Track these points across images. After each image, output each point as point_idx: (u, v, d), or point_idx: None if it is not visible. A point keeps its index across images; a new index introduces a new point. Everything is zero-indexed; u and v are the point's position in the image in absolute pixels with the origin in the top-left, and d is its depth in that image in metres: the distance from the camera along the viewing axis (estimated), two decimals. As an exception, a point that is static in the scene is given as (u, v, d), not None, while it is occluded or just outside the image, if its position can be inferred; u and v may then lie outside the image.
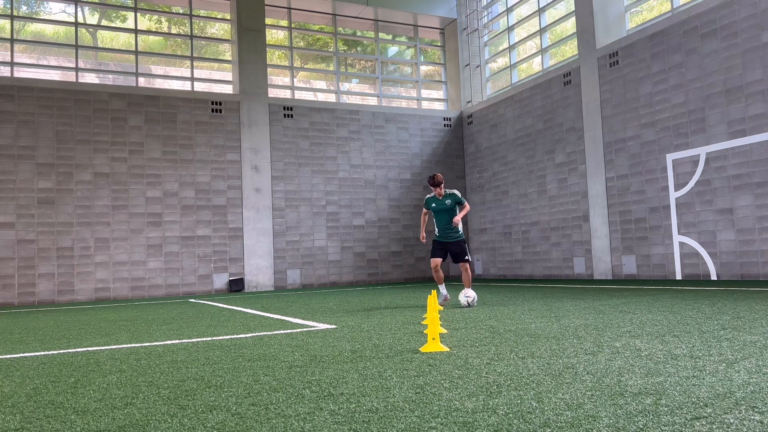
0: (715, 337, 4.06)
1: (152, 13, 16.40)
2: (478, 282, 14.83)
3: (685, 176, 11.55)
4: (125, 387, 3.22)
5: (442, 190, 7.93)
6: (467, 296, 7.54)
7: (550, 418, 2.27)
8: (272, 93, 16.67)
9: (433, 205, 8.03)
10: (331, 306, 8.64)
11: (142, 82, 15.69)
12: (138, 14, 15.90)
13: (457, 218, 7.84)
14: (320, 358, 3.90)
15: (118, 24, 16.65)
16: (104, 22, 16.51)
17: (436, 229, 8.09)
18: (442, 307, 5.12)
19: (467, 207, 8.07)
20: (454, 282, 14.40)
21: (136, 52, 15.49)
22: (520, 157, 15.99)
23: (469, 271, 7.89)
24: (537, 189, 15.42)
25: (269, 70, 16.76)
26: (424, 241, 8.37)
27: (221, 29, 17.27)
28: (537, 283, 12.84)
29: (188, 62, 16.10)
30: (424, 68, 19.45)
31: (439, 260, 7.90)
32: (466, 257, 7.88)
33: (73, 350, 4.86)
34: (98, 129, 14.26)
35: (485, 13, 17.97)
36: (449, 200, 7.94)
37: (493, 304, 7.81)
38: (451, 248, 7.95)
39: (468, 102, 18.23)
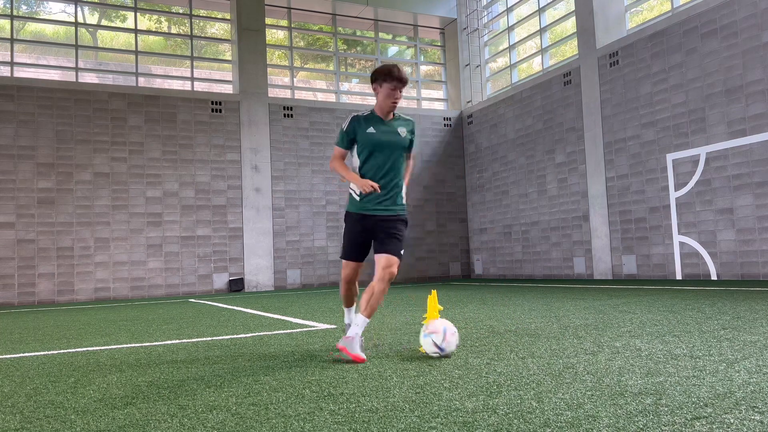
0: (716, 337, 4.05)
1: (152, 13, 16.39)
2: (478, 282, 14.81)
3: (685, 176, 11.55)
4: (125, 387, 3.22)
5: (399, 94, 3.96)
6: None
7: (550, 418, 2.27)
8: (272, 93, 16.66)
9: (371, 130, 3.96)
10: (331, 306, 8.63)
11: (142, 82, 15.68)
12: (138, 14, 15.89)
13: (407, 180, 4.19)
14: (320, 358, 3.90)
15: (118, 24, 16.65)
16: (104, 22, 16.51)
17: (359, 191, 4.00)
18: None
19: (413, 160, 4.34)
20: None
21: (136, 52, 15.48)
22: (520, 156, 15.98)
23: (395, 270, 4.00)
24: (537, 189, 15.41)
25: (269, 70, 16.75)
26: (377, 189, 3.88)
27: (221, 29, 17.26)
28: (537, 283, 12.84)
29: (188, 62, 16.09)
30: (424, 68, 19.44)
31: (356, 265, 4.18)
32: (401, 250, 4.10)
33: (73, 350, 4.85)
34: (98, 129, 14.25)
35: (485, 13, 17.96)
36: (403, 128, 4.06)
37: (493, 304, 7.81)
38: (382, 228, 4.04)
39: (468, 102, 18.23)
